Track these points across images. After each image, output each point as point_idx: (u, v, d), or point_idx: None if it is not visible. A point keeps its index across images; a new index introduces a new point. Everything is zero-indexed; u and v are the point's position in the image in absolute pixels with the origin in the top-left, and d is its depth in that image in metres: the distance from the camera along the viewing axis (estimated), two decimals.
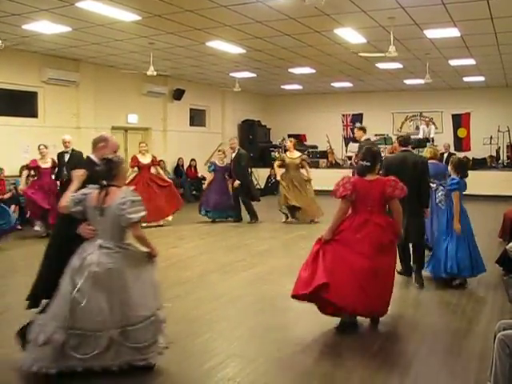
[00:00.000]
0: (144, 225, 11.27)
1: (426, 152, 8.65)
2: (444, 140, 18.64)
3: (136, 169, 11.88)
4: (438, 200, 8.28)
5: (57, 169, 10.65)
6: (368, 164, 5.32)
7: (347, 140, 20.85)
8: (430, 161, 8.29)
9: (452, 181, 6.83)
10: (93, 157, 4.70)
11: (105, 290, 4.03)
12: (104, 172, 4.21)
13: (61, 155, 10.52)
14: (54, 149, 10.90)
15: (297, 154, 12.50)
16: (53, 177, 10.75)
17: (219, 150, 13.00)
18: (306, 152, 20.85)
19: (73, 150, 10.42)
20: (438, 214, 8.14)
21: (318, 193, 12.61)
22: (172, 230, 11.47)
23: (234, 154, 12.58)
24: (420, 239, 6.98)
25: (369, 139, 10.69)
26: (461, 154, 15.32)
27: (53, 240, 4.65)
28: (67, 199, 4.22)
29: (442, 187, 8.17)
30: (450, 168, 7.05)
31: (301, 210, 12.23)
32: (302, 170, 12.44)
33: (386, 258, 5.19)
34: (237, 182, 12.34)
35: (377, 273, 5.09)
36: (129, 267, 4.12)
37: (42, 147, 10.62)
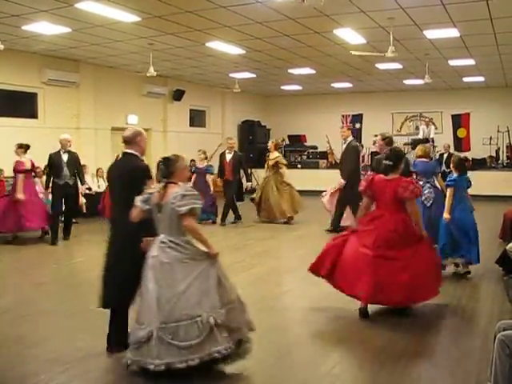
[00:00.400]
0: None
1: (417, 150, 8.87)
2: (444, 140, 18.66)
3: None
4: (423, 197, 8.40)
5: (47, 170, 10.46)
6: (390, 163, 5.69)
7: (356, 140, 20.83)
8: (420, 159, 8.57)
9: (450, 177, 7.43)
10: (133, 151, 4.81)
11: (157, 282, 4.13)
12: (162, 170, 4.39)
13: (57, 155, 10.14)
14: (54, 150, 10.85)
15: (275, 154, 12.73)
16: (36, 180, 10.69)
17: (199, 150, 12.97)
18: (306, 152, 21.10)
19: (69, 151, 10.29)
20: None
21: (318, 193, 12.59)
22: None
23: (231, 155, 12.54)
24: None
25: (352, 140, 11.02)
26: (460, 155, 15.35)
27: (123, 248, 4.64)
28: (137, 203, 4.36)
29: (428, 184, 8.34)
30: (451, 166, 7.61)
31: (262, 209, 12.57)
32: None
33: (397, 253, 5.45)
34: (248, 184, 12.79)
35: (380, 263, 5.39)
36: (180, 263, 4.17)
37: (16, 148, 10.37)
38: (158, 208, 4.27)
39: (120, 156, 5.17)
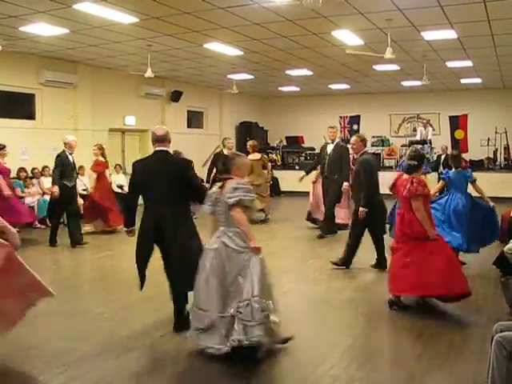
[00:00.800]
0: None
1: (410, 150, 9.23)
2: (441, 142, 18.66)
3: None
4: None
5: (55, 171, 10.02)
6: (415, 163, 6.00)
7: (344, 142, 20.82)
8: None
9: (445, 172, 8.33)
10: (167, 148, 5.38)
11: (216, 274, 4.49)
12: (221, 167, 4.88)
13: (65, 156, 9.94)
14: (54, 151, 10.81)
15: (252, 156, 12.85)
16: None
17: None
18: (303, 154, 21.11)
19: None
20: None
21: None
22: None
23: None
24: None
25: (339, 141, 11.17)
26: (454, 151, 15.39)
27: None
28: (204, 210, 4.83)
29: None
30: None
31: None
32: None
33: (403, 247, 5.88)
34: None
35: (396, 256, 5.98)
36: (229, 257, 4.51)
37: None
38: (217, 202, 4.67)
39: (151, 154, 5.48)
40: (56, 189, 9.77)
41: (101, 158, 11.41)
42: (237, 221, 4.53)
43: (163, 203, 5.15)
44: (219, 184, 4.75)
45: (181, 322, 5.14)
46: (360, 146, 8.03)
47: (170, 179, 5.17)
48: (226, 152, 12.42)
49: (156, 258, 5.35)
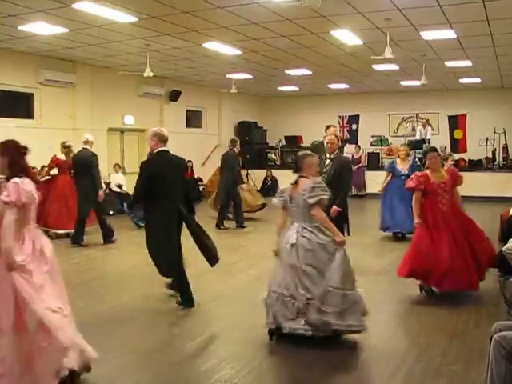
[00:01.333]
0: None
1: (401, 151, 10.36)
2: (440, 141, 18.66)
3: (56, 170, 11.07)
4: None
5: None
6: (421, 158, 6.65)
7: (344, 141, 20.80)
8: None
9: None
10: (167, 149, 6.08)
11: (299, 265, 4.78)
12: (293, 166, 5.15)
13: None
14: (49, 151, 10.77)
15: None
16: None
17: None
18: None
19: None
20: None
21: None
22: None
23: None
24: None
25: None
26: (457, 156, 15.43)
27: None
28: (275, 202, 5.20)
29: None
30: None
31: None
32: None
33: None
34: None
35: None
36: (312, 249, 4.77)
37: None
38: (290, 199, 4.95)
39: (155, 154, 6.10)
40: (102, 193, 9.94)
41: (59, 156, 10.92)
42: (318, 219, 4.85)
43: (176, 197, 5.89)
44: (291, 181, 5.05)
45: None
46: (336, 145, 8.14)
47: (178, 175, 5.99)
48: (236, 151, 12.40)
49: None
